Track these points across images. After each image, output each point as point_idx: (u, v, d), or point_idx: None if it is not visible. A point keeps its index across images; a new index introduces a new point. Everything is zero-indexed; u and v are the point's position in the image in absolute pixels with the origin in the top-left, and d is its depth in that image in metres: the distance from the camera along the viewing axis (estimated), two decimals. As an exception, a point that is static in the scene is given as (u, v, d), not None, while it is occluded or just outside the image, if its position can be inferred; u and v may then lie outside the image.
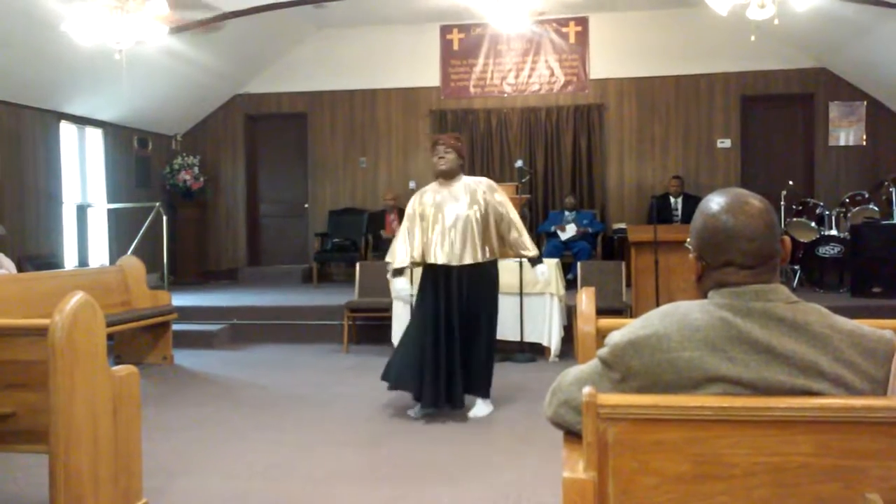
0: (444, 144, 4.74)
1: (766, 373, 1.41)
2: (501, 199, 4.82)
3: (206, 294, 9.42)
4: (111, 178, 9.68)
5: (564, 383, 1.62)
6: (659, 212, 8.54)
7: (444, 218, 4.69)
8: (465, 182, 4.79)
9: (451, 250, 4.64)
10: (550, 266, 6.66)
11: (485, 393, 4.87)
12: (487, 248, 4.74)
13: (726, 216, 1.50)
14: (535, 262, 4.99)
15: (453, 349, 4.68)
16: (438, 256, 4.67)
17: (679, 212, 9.45)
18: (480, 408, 4.85)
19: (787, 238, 1.56)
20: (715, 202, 1.53)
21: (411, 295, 5.06)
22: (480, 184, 4.83)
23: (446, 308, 4.70)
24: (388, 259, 4.94)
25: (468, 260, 4.65)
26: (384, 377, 4.89)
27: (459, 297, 4.70)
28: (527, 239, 4.88)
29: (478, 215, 4.69)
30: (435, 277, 4.74)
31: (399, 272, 4.88)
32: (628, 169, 10.49)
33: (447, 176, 4.77)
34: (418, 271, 5.06)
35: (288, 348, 7.38)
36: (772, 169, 10.11)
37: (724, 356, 1.42)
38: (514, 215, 4.85)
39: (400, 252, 4.81)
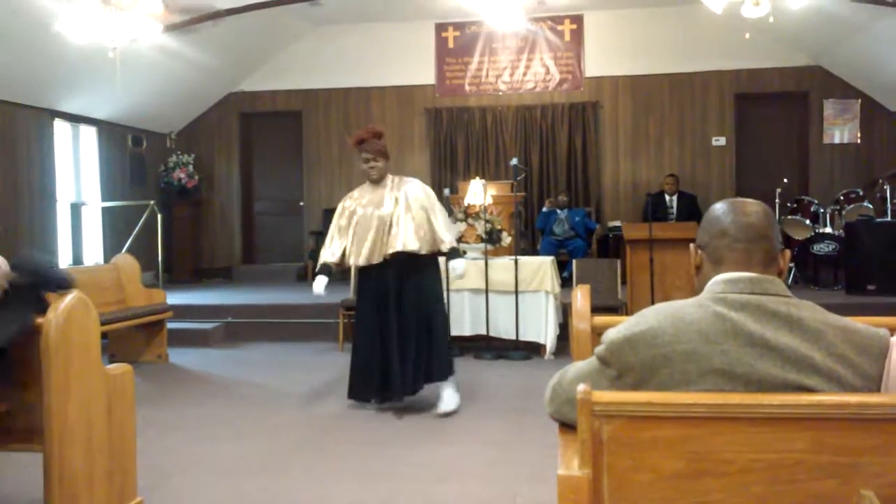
0: (372, 152, 4.73)
1: (759, 366, 1.41)
2: (422, 194, 4.78)
3: (201, 292, 9.40)
4: (105, 176, 9.66)
5: (565, 381, 1.63)
6: (654, 210, 8.55)
7: (370, 220, 4.69)
8: (390, 183, 4.79)
9: (372, 250, 4.67)
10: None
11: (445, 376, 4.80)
12: (408, 242, 4.65)
13: (725, 205, 1.63)
14: (450, 256, 4.82)
15: (391, 344, 4.69)
16: (361, 259, 4.70)
17: (674, 210, 9.46)
18: (449, 398, 4.80)
19: (787, 251, 1.62)
20: (717, 204, 1.67)
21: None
22: (404, 183, 4.81)
23: (379, 307, 4.74)
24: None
25: (394, 249, 4.64)
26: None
27: (395, 294, 4.71)
28: (443, 232, 4.74)
29: (397, 213, 4.68)
30: (368, 280, 4.81)
31: (326, 269, 4.87)
32: (623, 167, 10.50)
33: (376, 182, 4.82)
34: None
35: (283, 346, 7.37)
36: (766, 167, 10.13)
37: (718, 349, 1.43)
38: (436, 208, 4.76)
39: (324, 254, 4.89)
